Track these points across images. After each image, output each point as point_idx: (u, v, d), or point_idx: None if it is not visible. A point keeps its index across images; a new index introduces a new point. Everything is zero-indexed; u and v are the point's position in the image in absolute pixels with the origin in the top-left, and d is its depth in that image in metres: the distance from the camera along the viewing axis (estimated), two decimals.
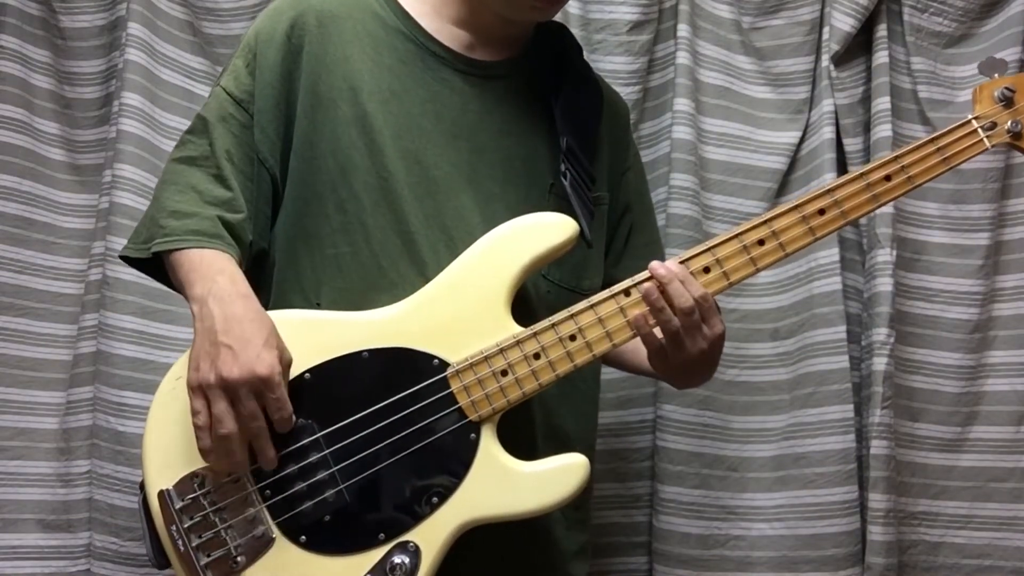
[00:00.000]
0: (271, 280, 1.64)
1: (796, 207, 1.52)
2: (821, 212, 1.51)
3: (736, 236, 1.51)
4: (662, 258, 1.86)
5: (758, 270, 1.52)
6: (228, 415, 1.41)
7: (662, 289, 1.48)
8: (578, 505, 1.59)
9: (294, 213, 1.62)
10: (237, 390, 1.40)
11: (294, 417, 1.46)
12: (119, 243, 2.22)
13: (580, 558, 1.75)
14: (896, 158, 1.53)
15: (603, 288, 1.54)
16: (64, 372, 2.34)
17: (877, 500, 2.12)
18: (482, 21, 1.66)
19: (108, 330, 2.25)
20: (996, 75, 1.59)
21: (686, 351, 1.52)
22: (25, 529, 2.28)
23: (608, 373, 2.23)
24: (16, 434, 2.31)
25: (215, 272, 1.49)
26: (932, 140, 1.55)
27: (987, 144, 1.55)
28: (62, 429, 2.31)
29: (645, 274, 1.51)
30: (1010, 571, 2.19)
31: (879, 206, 1.54)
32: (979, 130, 1.55)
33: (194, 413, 1.43)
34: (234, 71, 1.64)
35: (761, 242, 1.51)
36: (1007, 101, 1.56)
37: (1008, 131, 1.56)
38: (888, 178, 1.53)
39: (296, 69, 1.62)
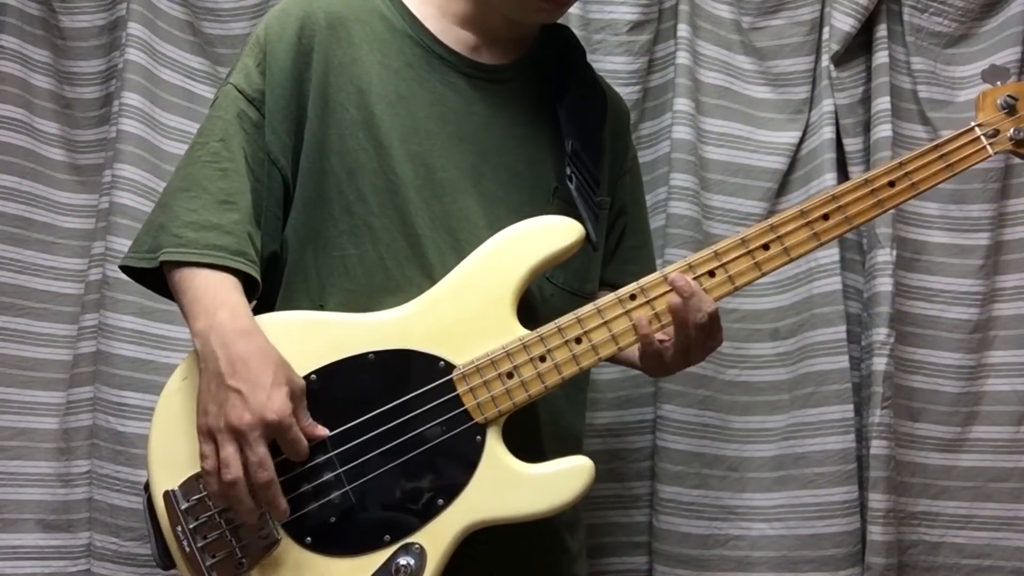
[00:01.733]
0: (280, 281, 1.63)
1: (801, 212, 1.52)
2: (826, 217, 1.52)
3: (741, 241, 1.51)
4: (652, 261, 1.89)
5: (763, 274, 1.52)
6: (235, 459, 1.40)
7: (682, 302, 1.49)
8: (576, 505, 1.59)
9: (303, 215, 1.61)
10: (247, 436, 1.39)
11: (326, 432, 1.47)
12: (119, 243, 2.23)
13: (581, 558, 1.76)
14: (900, 164, 1.54)
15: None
16: (64, 372, 2.34)
17: (877, 500, 2.13)
18: (489, 22, 1.66)
19: (108, 330, 2.25)
20: (999, 82, 1.59)
21: (688, 361, 1.55)
22: (25, 529, 2.28)
23: (608, 373, 2.25)
24: (16, 434, 2.31)
25: (216, 306, 1.46)
26: (936, 147, 1.55)
27: (990, 151, 1.56)
28: (62, 429, 2.31)
29: (651, 279, 1.51)
30: (1010, 571, 2.19)
31: (883, 212, 1.54)
32: (982, 137, 1.56)
33: (202, 457, 1.42)
34: (244, 69, 1.62)
35: (766, 247, 1.51)
36: (1010, 109, 1.57)
37: (1011, 139, 1.56)
38: (892, 184, 1.53)
39: (307, 70, 1.61)
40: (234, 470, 1.39)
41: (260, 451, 1.40)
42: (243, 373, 1.41)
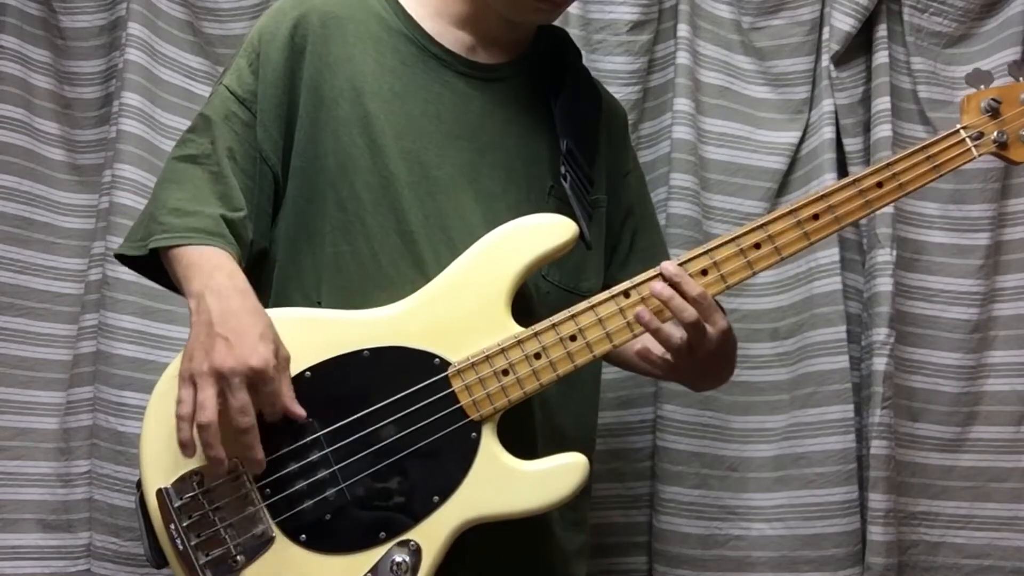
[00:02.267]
0: (272, 278, 1.63)
1: (791, 211, 1.53)
2: (815, 217, 1.53)
3: (733, 240, 1.52)
4: (666, 258, 1.87)
5: (755, 273, 1.52)
6: (211, 403, 1.38)
7: (667, 304, 1.49)
8: (575, 505, 1.59)
9: (295, 211, 1.62)
10: (229, 380, 1.38)
11: (302, 412, 1.45)
12: (119, 243, 2.22)
13: (579, 558, 1.75)
14: (888, 165, 1.56)
15: (603, 290, 1.54)
16: (64, 372, 2.35)
17: (877, 500, 2.12)
18: (485, 23, 1.66)
19: (108, 330, 2.26)
20: (983, 86, 1.62)
21: (695, 353, 1.53)
22: (25, 529, 2.28)
23: (608, 373, 2.24)
24: (16, 434, 2.31)
25: (213, 268, 1.48)
26: (922, 149, 1.57)
27: (975, 153, 1.58)
28: (62, 429, 2.31)
29: (643, 276, 1.51)
30: (1010, 571, 2.19)
31: (871, 212, 1.56)
32: (967, 139, 1.58)
33: (179, 402, 1.41)
34: (237, 70, 1.64)
35: (757, 246, 1.52)
36: (993, 112, 1.59)
37: (994, 141, 1.59)
38: (880, 184, 1.55)
39: (299, 69, 1.62)
40: (208, 412, 1.37)
41: (242, 396, 1.38)
42: (232, 323, 1.41)
